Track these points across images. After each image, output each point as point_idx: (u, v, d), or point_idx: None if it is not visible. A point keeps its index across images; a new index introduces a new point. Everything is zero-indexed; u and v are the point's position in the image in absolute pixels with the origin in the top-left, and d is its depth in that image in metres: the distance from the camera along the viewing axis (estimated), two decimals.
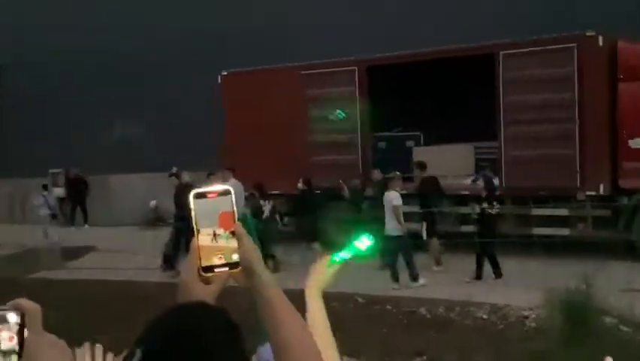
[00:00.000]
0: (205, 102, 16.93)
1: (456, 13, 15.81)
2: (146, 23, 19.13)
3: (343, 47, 15.20)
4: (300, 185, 14.11)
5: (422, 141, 14.72)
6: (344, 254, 1.85)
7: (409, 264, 10.74)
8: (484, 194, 11.18)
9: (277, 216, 13.66)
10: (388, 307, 9.55)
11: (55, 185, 20.57)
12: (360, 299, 9.90)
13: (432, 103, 14.56)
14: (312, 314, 1.77)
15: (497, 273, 10.76)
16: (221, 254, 1.29)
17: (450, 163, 13.57)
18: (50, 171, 20.44)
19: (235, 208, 1.31)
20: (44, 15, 20.64)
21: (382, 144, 14.99)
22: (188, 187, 13.57)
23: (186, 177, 13.71)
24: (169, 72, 18.67)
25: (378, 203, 11.59)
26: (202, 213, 1.29)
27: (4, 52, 21.17)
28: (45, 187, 18.41)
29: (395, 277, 10.67)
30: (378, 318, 8.63)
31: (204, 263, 1.29)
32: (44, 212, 17.77)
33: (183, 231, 11.64)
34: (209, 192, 1.30)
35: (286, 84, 14.84)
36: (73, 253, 15.57)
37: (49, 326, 1.08)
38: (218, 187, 1.32)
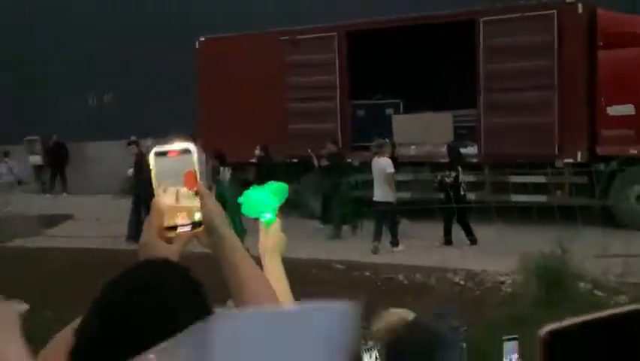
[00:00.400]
0: (182, 69, 16.70)
1: None
2: None
3: (323, 13, 15.06)
4: (257, 152, 13.72)
5: (402, 109, 14.67)
6: (268, 215, 1.85)
7: (393, 230, 11.02)
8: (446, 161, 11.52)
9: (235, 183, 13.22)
10: (367, 273, 9.60)
11: (32, 152, 20.31)
12: (339, 266, 9.95)
13: (412, 70, 14.49)
14: (268, 269, 1.76)
15: (471, 240, 10.98)
16: (184, 213, 1.27)
17: (429, 131, 13.56)
18: (26, 138, 20.14)
19: (197, 167, 1.28)
20: None
21: (361, 112, 14.91)
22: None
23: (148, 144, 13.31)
24: (147, 38, 18.36)
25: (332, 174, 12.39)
26: (163, 172, 1.27)
27: None
28: (6, 154, 18.28)
29: (395, 241, 10.98)
30: (357, 284, 8.67)
31: (166, 223, 1.26)
32: (8, 179, 17.70)
33: (142, 200, 11.66)
34: (170, 151, 1.27)
35: (264, 50, 14.67)
36: (50, 221, 15.44)
37: (25, 292, 1.04)
38: (179, 145, 1.28)
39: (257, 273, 1.38)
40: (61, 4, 19.56)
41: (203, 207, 1.28)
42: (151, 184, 1.28)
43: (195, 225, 1.28)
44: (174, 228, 1.27)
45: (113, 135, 17.44)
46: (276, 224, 1.85)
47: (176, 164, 1.27)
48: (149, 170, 1.29)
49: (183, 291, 1.11)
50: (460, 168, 11.31)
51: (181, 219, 1.27)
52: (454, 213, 11.06)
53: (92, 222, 14.97)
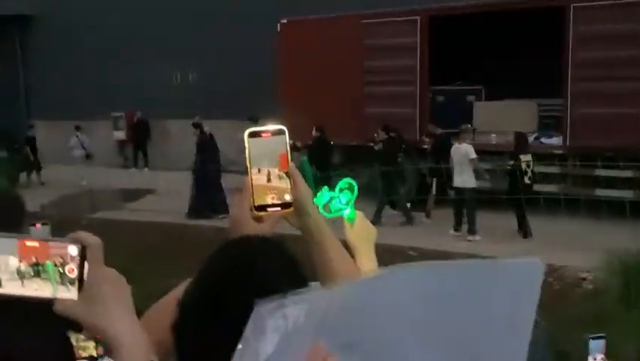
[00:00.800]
0: (264, 51, 16.84)
1: None
2: None
3: None
4: (313, 132, 13.74)
5: (483, 96, 14.35)
6: (347, 211, 1.82)
7: (471, 218, 10.95)
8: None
9: None
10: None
11: (116, 128, 21.02)
12: (412, 253, 9.85)
13: (495, 57, 14.12)
14: (363, 261, 1.75)
15: (524, 232, 10.76)
16: (274, 194, 1.29)
17: (512, 119, 13.19)
18: (112, 114, 20.84)
19: (289, 148, 1.30)
20: None
21: (441, 98, 14.67)
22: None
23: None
24: (230, 19, 18.59)
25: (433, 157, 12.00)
26: (256, 152, 1.29)
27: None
28: (77, 128, 18.98)
29: (473, 230, 10.89)
30: None
31: (257, 202, 1.29)
32: (79, 153, 18.43)
33: (202, 178, 13.04)
34: (263, 132, 1.30)
35: (345, 33, 14.61)
36: (132, 195, 15.98)
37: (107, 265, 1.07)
38: (272, 127, 1.31)
39: (343, 254, 1.38)
40: None
41: (293, 188, 1.30)
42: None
43: (285, 205, 1.30)
44: (264, 208, 1.29)
45: (194, 114, 17.77)
46: (360, 216, 1.84)
47: (269, 144, 1.29)
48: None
49: (281, 266, 1.12)
50: (522, 157, 11.05)
51: (271, 199, 1.29)
52: (517, 203, 10.85)
53: (171, 196, 15.39)
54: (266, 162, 1.29)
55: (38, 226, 2.60)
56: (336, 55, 14.64)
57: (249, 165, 1.29)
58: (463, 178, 10.94)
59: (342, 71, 14.55)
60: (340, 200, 1.84)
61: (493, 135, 13.24)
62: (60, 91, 21.95)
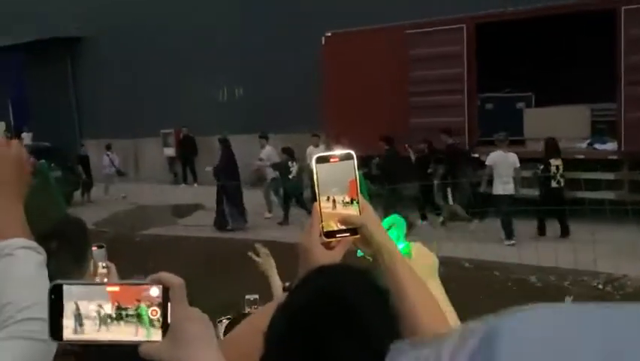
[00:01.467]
0: (308, 65, 16.92)
1: None
2: None
3: (446, 4, 14.74)
4: (382, 145, 13.53)
5: (533, 103, 14.09)
6: (401, 245, 1.77)
7: (509, 223, 11.13)
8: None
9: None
10: (496, 273, 9.29)
11: (166, 145, 21.37)
12: (467, 264, 9.70)
13: (545, 62, 13.87)
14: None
15: (541, 233, 11.24)
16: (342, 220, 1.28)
17: (564, 126, 12.91)
18: (162, 131, 21.20)
19: (357, 173, 1.28)
20: None
21: (490, 106, 14.47)
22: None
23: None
24: (274, 33, 18.74)
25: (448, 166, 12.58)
26: (324, 178, 1.28)
27: (107, 19, 21.97)
28: (108, 147, 19.45)
29: (509, 234, 11.05)
30: (487, 285, 8.41)
31: (326, 228, 1.27)
32: (109, 170, 18.94)
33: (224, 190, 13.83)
34: (331, 157, 1.28)
35: (390, 44, 14.56)
36: (182, 211, 16.20)
37: None
38: (340, 151, 1.29)
39: (418, 282, 1.34)
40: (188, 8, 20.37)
41: (361, 215, 1.28)
42: (312, 181, 1.29)
43: (353, 232, 1.28)
44: (333, 234, 1.28)
45: (241, 129, 17.96)
46: (417, 247, 1.79)
47: (337, 170, 1.28)
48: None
49: (368, 296, 1.10)
50: (552, 161, 11.34)
51: (339, 226, 1.28)
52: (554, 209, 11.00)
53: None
54: (334, 187, 1.28)
55: (95, 248, 2.61)
56: (380, 66, 14.60)
57: (317, 191, 1.28)
58: (505, 186, 11.11)
59: (387, 82, 14.50)
60: (394, 235, 1.80)
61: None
62: (110, 110, 22.48)
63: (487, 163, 11.66)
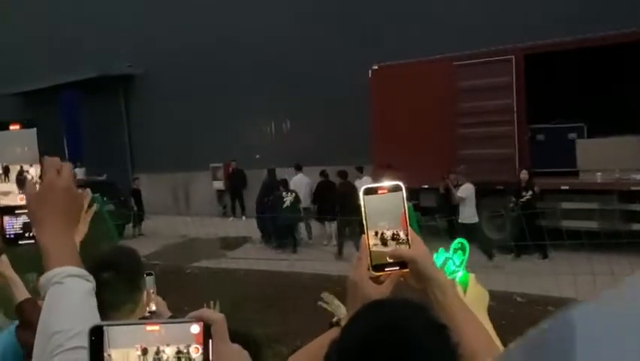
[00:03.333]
0: (355, 98, 17.01)
1: None
2: (295, 22, 19.52)
3: (493, 35, 14.68)
4: (447, 177, 13.68)
5: (586, 133, 13.80)
6: (460, 273, 1.73)
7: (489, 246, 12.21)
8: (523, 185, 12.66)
9: (300, 206, 15.60)
10: (550, 308, 9.02)
11: (215, 178, 21.65)
12: (519, 299, 9.46)
13: (596, 92, 13.61)
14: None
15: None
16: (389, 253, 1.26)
17: (618, 156, 12.61)
18: (211, 165, 21.51)
19: (406, 205, 1.25)
20: (182, 17, 21.69)
21: (541, 137, 14.24)
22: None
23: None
24: (318, 69, 18.93)
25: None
26: (372, 210, 1.25)
27: (164, 52, 22.56)
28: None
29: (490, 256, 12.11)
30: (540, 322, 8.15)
31: (374, 262, 1.25)
32: None
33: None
34: (380, 188, 1.26)
35: (437, 76, 14.55)
36: (231, 243, 16.32)
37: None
38: (389, 183, 1.26)
39: (471, 317, 1.31)
40: (235, 36, 20.76)
41: (411, 248, 1.25)
42: (361, 213, 1.26)
43: (402, 265, 1.26)
44: (382, 267, 1.26)
45: (288, 162, 18.07)
46: (472, 279, 1.75)
47: (385, 202, 1.26)
48: (360, 200, 1.27)
49: (426, 330, 1.07)
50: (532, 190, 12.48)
51: (388, 259, 1.26)
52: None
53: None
54: (383, 220, 1.25)
55: (145, 276, 2.65)
56: (428, 98, 14.59)
57: (365, 224, 1.25)
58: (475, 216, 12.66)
59: (436, 113, 14.47)
60: (454, 261, 1.77)
61: (599, 174, 12.68)
62: (161, 144, 22.95)
63: (461, 196, 12.66)
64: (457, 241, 1.86)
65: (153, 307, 2.66)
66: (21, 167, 1.42)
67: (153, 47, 23.09)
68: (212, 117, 21.60)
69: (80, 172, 23.69)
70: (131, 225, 18.91)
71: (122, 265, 2.43)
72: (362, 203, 1.25)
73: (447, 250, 1.83)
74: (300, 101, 19.68)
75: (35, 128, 1.42)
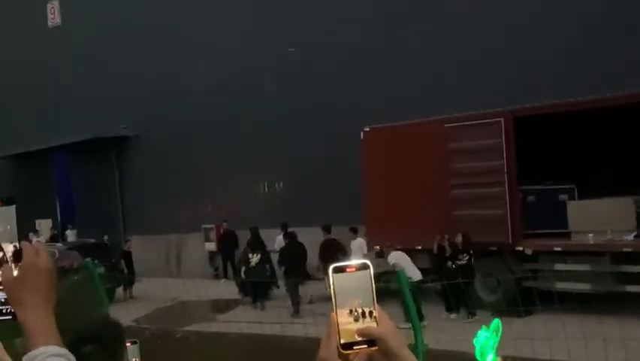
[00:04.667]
0: (347, 160, 17.17)
1: (607, 60, 14.94)
2: (286, 84, 19.85)
3: (483, 97, 14.98)
4: (441, 240, 13.84)
5: (576, 195, 13.91)
6: (490, 357, 1.73)
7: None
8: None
9: (267, 266, 16.38)
10: None
11: (208, 240, 21.55)
12: None
13: (585, 154, 13.79)
14: None
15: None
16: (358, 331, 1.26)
17: (609, 218, 12.67)
18: (203, 226, 21.46)
19: (373, 284, 1.27)
20: (175, 80, 22.03)
21: (532, 198, 14.33)
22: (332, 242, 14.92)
23: None
24: (310, 131, 19.15)
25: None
26: (340, 288, 1.26)
27: (153, 117, 22.80)
28: (127, 242, 20.22)
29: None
30: None
31: (343, 340, 1.25)
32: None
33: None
34: (348, 267, 1.27)
35: (429, 138, 14.74)
36: (222, 306, 16.12)
37: None
38: (357, 261, 1.28)
39: None
40: (228, 100, 21.05)
41: (379, 326, 1.25)
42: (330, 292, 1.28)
43: (371, 343, 1.25)
44: (351, 346, 1.25)
45: (279, 222, 18.06)
46: None
47: (353, 280, 1.27)
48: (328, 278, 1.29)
49: None
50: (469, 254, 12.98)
51: (357, 337, 1.25)
52: None
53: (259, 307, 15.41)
54: (351, 298, 1.26)
55: (128, 345, 2.63)
56: (420, 160, 14.73)
57: (334, 302, 1.26)
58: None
59: (428, 175, 14.58)
60: (490, 343, 1.77)
61: (591, 235, 12.71)
62: (154, 205, 22.93)
63: (392, 262, 13.04)
64: (497, 322, 1.85)
65: None
66: None
67: (145, 110, 23.34)
68: (204, 179, 21.68)
69: (71, 235, 23.59)
70: (121, 288, 18.68)
71: (104, 337, 2.43)
72: (331, 281, 1.26)
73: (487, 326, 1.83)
74: (292, 162, 19.82)
75: (15, 206, 1.46)
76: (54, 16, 27.57)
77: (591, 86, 13.59)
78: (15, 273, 1.39)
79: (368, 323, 1.25)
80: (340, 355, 1.25)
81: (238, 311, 15.73)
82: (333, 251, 14.92)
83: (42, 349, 1.29)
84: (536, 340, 10.21)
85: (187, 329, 13.89)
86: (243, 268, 16.53)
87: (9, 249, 1.46)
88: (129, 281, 19.09)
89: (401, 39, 18.04)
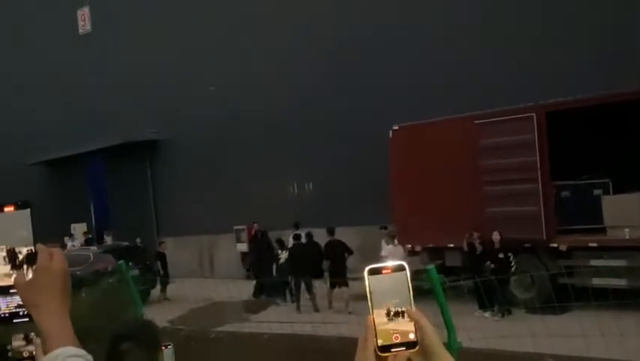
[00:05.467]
0: (375, 158, 17.11)
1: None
2: (314, 83, 19.86)
3: (515, 92, 14.80)
4: (471, 238, 13.70)
5: (611, 189, 13.67)
6: None
7: None
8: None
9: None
10: None
11: (239, 241, 21.66)
12: (550, 360, 9.21)
13: (621, 147, 13.54)
14: None
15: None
16: (398, 333, 1.25)
17: None
18: (234, 227, 21.57)
19: (410, 285, 1.26)
20: (205, 82, 22.18)
21: (566, 193, 14.12)
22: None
23: None
24: (339, 130, 19.13)
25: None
26: (377, 290, 1.26)
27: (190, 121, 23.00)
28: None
29: None
30: None
31: (380, 343, 1.24)
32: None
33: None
34: (384, 268, 1.27)
35: (458, 135, 14.61)
36: (256, 307, 16.19)
37: None
38: (392, 263, 1.28)
39: None
40: (256, 100, 21.14)
41: (417, 327, 1.25)
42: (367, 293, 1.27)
43: (409, 345, 1.24)
44: (389, 348, 1.24)
45: (312, 223, 18.08)
46: None
47: (389, 281, 1.26)
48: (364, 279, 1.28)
49: None
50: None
51: (395, 340, 1.24)
52: None
53: (292, 306, 15.46)
54: (387, 299, 1.25)
55: (163, 348, 2.65)
56: (450, 157, 14.61)
57: (370, 304, 1.25)
58: None
59: (458, 172, 14.46)
60: None
61: (626, 230, 12.48)
62: (186, 208, 23.14)
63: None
64: None
65: None
66: (13, 248, 1.47)
67: (177, 113, 23.56)
68: (236, 180, 21.82)
69: (108, 239, 23.93)
70: (156, 289, 18.88)
71: (140, 336, 2.46)
72: (367, 283, 1.26)
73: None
74: (321, 162, 19.82)
75: (29, 210, 1.49)
76: (84, 23, 27.97)
77: (624, 78, 13.34)
78: (29, 276, 1.41)
79: (405, 325, 1.25)
80: (378, 358, 1.24)
81: (270, 312, 15.78)
82: (338, 251, 15.28)
83: (60, 350, 1.31)
84: (572, 337, 10.09)
85: (220, 329, 13.98)
86: (275, 266, 16.95)
87: (23, 252, 1.48)
88: (164, 283, 19.29)
89: (423, 36, 17.95)
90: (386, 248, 14.82)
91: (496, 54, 16.67)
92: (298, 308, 15.49)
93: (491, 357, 9.39)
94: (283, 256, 16.58)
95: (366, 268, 1.26)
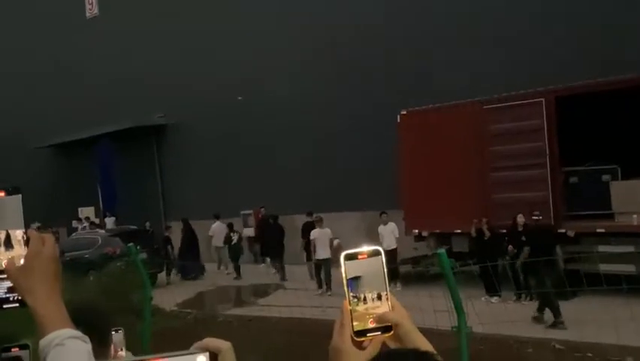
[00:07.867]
0: (381, 144, 17.08)
1: None
2: (322, 69, 19.78)
3: (524, 78, 14.69)
4: (479, 225, 13.63)
5: (619, 175, 13.59)
6: None
7: None
8: None
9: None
10: (589, 355, 8.78)
11: (246, 225, 21.69)
12: (557, 345, 9.22)
13: (630, 133, 13.44)
14: None
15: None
16: (373, 318, 1.25)
17: None
18: (242, 212, 21.60)
19: (385, 270, 1.26)
20: (212, 68, 22.13)
21: (574, 179, 14.06)
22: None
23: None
24: (345, 115, 19.08)
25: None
26: (353, 275, 1.26)
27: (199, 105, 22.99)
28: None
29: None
30: None
31: (357, 327, 1.25)
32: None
33: None
34: (360, 254, 1.27)
35: (467, 120, 14.54)
36: (263, 291, 16.24)
37: None
38: (368, 248, 1.27)
39: None
40: (263, 86, 21.09)
41: (392, 312, 1.25)
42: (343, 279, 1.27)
43: (385, 330, 1.25)
44: (364, 333, 1.25)
45: (322, 209, 18.08)
46: None
47: (366, 266, 1.26)
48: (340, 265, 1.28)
49: None
50: None
51: (370, 324, 1.25)
52: None
53: (300, 291, 15.47)
54: (364, 285, 1.26)
55: (113, 333, 2.63)
56: (458, 142, 14.55)
57: (346, 289, 1.25)
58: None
59: (466, 158, 14.41)
60: None
61: (635, 216, 12.43)
62: (193, 192, 23.19)
63: (312, 238, 15.11)
64: None
65: None
66: (7, 232, 1.47)
67: (185, 98, 23.55)
68: (241, 165, 21.83)
69: (109, 222, 24.00)
70: (164, 273, 18.98)
71: (90, 321, 2.47)
72: (343, 268, 1.26)
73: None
74: (327, 148, 19.79)
75: (20, 195, 1.48)
76: (92, 7, 27.91)
77: (634, 63, 13.22)
78: (21, 262, 1.41)
79: (382, 309, 1.25)
80: (354, 342, 1.25)
81: (278, 295, 15.83)
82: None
83: (60, 331, 1.32)
84: (582, 322, 10.09)
85: (229, 313, 14.04)
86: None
87: (17, 235, 1.48)
88: (171, 267, 19.37)
89: (434, 20, 17.82)
90: (383, 228, 15.29)
91: (501, 42, 16.53)
92: (320, 287, 15.56)
93: (500, 342, 9.40)
94: (235, 237, 19.11)
95: (342, 253, 1.26)
